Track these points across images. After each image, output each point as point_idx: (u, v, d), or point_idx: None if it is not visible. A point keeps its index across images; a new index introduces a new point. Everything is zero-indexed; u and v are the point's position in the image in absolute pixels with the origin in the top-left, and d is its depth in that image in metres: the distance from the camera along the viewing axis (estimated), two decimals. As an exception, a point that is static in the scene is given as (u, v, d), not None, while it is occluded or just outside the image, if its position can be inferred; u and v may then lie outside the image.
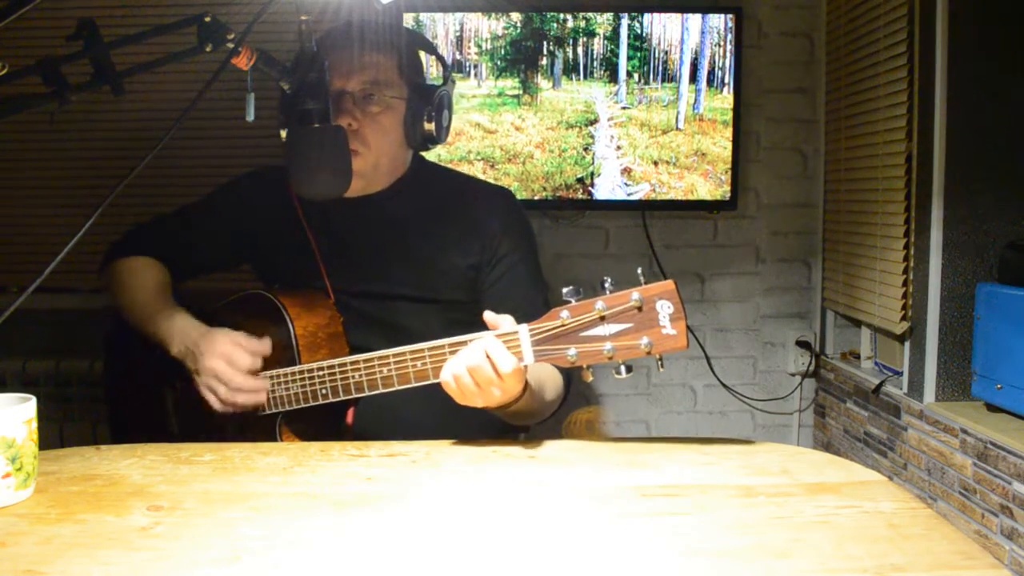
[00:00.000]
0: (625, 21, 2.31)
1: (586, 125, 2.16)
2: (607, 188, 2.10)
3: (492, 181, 2.27)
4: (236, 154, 2.41)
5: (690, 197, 2.27)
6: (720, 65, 2.27)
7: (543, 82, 2.17)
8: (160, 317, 1.36)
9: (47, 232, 2.41)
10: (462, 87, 2.22)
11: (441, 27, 2.21)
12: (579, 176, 2.17)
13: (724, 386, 2.64)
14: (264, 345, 1.30)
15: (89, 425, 2.43)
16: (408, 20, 2.29)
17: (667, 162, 2.20)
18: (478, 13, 2.25)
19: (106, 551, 0.81)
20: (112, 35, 0.97)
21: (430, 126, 1.36)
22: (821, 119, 2.56)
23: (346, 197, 1.36)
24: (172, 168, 2.31)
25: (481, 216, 1.41)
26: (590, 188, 2.16)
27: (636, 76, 2.23)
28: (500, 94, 2.17)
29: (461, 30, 2.14)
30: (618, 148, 2.19)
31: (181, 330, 1.33)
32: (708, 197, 2.23)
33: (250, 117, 1.09)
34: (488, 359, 1.07)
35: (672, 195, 2.18)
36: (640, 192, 2.15)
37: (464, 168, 2.27)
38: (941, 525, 0.86)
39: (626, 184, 2.16)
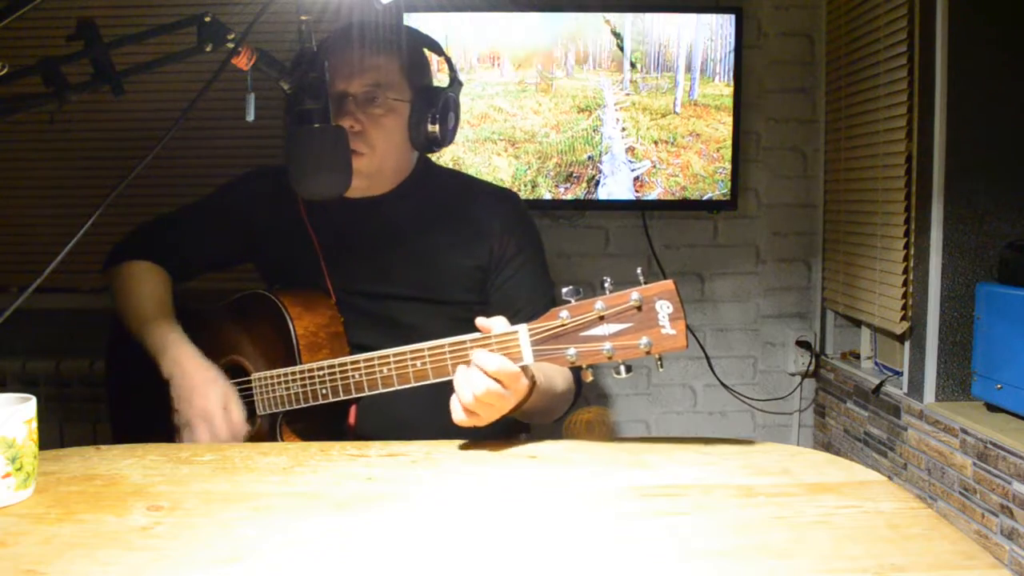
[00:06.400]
0: (629, 19, 2.36)
1: (595, 109, 2.38)
2: (614, 164, 2.35)
3: (513, 159, 2.37)
4: (236, 154, 2.41)
5: (686, 172, 2.40)
6: (712, 57, 2.39)
7: (558, 72, 2.37)
8: (154, 332, 1.37)
9: (47, 232, 2.41)
10: (488, 76, 2.36)
11: (469, 24, 2.35)
12: (589, 154, 2.39)
13: (724, 386, 2.64)
14: (242, 427, 1.31)
15: (89, 425, 2.43)
16: (436, 19, 2.33)
17: (666, 142, 2.40)
18: (491, 12, 2.34)
19: (106, 551, 0.81)
20: (112, 35, 0.97)
21: (434, 128, 1.36)
22: (821, 119, 2.56)
23: (350, 198, 1.36)
24: (172, 168, 2.31)
25: (486, 218, 1.41)
26: (599, 164, 2.38)
27: (639, 67, 2.38)
28: (520, 81, 2.38)
29: (487, 27, 2.35)
30: (623, 129, 2.39)
31: (173, 357, 1.33)
32: (702, 172, 2.39)
33: (250, 117, 1.09)
34: (485, 375, 1.07)
35: (670, 171, 2.39)
36: (642, 168, 2.36)
37: (488, 146, 2.37)
38: (941, 525, 0.86)
39: (630, 161, 2.38)
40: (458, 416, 1.10)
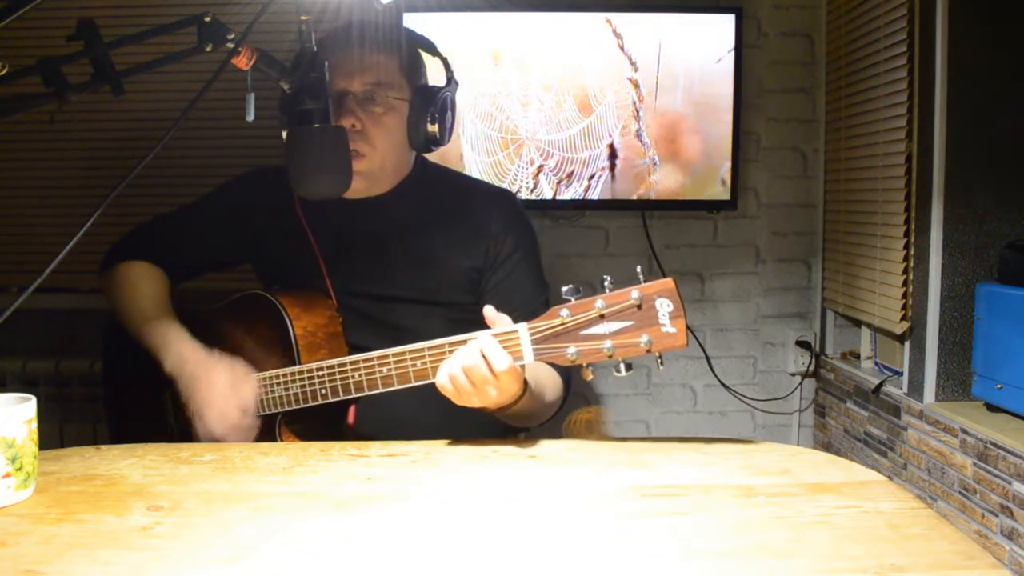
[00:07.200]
0: (630, 18, 2.37)
1: (596, 108, 2.42)
2: (622, 152, 2.41)
3: (521, 155, 2.40)
4: (236, 154, 2.41)
5: (687, 171, 2.43)
6: (713, 57, 2.40)
7: (559, 71, 2.40)
8: (155, 330, 1.37)
9: (47, 232, 2.41)
10: (490, 75, 2.38)
11: (471, 24, 2.37)
12: (590, 152, 2.43)
13: (724, 386, 2.64)
14: (252, 401, 1.30)
15: (89, 425, 2.43)
16: (436, 19, 2.34)
17: (667, 140, 2.43)
18: (491, 12, 2.36)
19: (106, 551, 0.81)
20: (112, 35, 0.97)
21: (433, 128, 1.36)
22: (821, 119, 2.56)
23: (350, 199, 1.36)
24: (172, 168, 2.31)
25: (483, 218, 1.41)
26: (599, 163, 2.44)
27: (639, 66, 2.40)
28: (522, 80, 2.41)
29: (488, 27, 2.38)
30: (624, 126, 2.41)
31: (177, 352, 1.33)
32: (702, 172, 2.43)
33: (250, 117, 1.09)
34: (483, 358, 1.08)
35: (671, 169, 2.42)
36: (642, 167, 2.42)
37: (489, 144, 2.39)
38: (941, 525, 0.86)
39: (630, 159, 2.44)
40: (441, 379, 1.11)
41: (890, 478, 1.21)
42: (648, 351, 1.03)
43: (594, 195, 2.43)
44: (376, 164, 1.36)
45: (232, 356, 1.35)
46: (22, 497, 0.94)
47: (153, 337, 1.36)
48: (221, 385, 1.29)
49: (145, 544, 0.83)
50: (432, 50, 1.46)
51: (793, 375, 2.65)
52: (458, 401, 1.13)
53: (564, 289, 1.06)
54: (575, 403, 2.56)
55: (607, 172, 2.42)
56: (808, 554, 0.79)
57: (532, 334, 1.08)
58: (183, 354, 1.32)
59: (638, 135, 2.40)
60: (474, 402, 1.12)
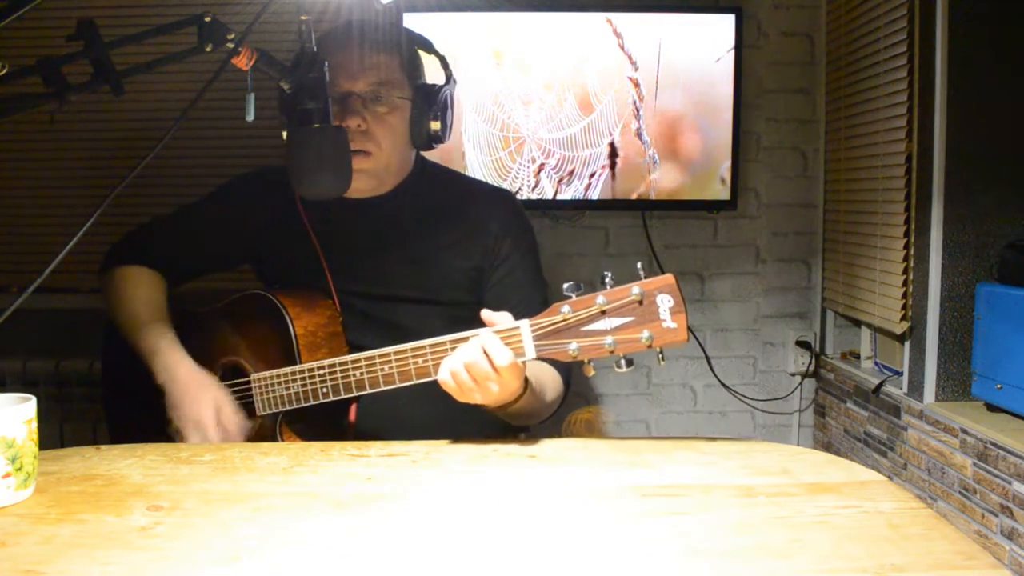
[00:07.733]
0: (630, 18, 2.38)
1: (596, 107, 2.44)
2: (622, 150, 2.45)
3: (522, 153, 2.43)
4: (236, 154, 2.41)
5: (687, 171, 2.44)
6: (712, 56, 2.41)
7: (559, 70, 2.42)
8: (148, 338, 1.37)
9: (47, 232, 2.41)
10: (490, 75, 2.40)
11: (471, 24, 2.38)
12: (590, 151, 2.46)
13: (724, 386, 2.64)
14: (237, 431, 1.31)
15: (89, 425, 2.43)
16: (436, 19, 2.34)
17: (667, 138, 2.45)
18: (492, 12, 2.37)
19: (106, 551, 0.81)
20: (112, 35, 0.97)
21: (435, 125, 1.37)
22: (821, 119, 2.56)
23: (349, 198, 1.36)
24: (172, 168, 2.31)
25: (483, 217, 1.41)
26: (600, 162, 2.47)
27: (640, 66, 2.41)
28: (522, 80, 2.43)
29: (489, 27, 2.40)
30: (624, 125, 2.44)
31: (166, 365, 1.34)
32: (703, 172, 2.45)
33: (250, 117, 1.09)
34: (484, 354, 1.08)
35: (672, 162, 2.45)
36: (643, 166, 2.44)
37: (497, 141, 2.41)
38: (941, 525, 0.86)
39: (631, 158, 2.47)
40: (443, 375, 1.11)
41: (890, 478, 1.21)
42: (649, 346, 1.03)
43: (595, 193, 2.43)
44: (382, 163, 1.37)
45: (226, 367, 1.35)
46: (22, 497, 0.94)
47: (145, 344, 1.37)
48: (205, 412, 1.30)
49: (145, 544, 0.83)
50: (429, 48, 1.46)
51: (793, 375, 2.65)
52: (460, 398, 1.13)
53: (565, 286, 1.06)
54: (575, 403, 2.56)
55: (607, 170, 2.42)
56: (808, 554, 0.79)
57: (534, 330, 1.09)
58: (171, 368, 1.33)
59: (638, 134, 2.41)
60: (476, 398, 1.12)
